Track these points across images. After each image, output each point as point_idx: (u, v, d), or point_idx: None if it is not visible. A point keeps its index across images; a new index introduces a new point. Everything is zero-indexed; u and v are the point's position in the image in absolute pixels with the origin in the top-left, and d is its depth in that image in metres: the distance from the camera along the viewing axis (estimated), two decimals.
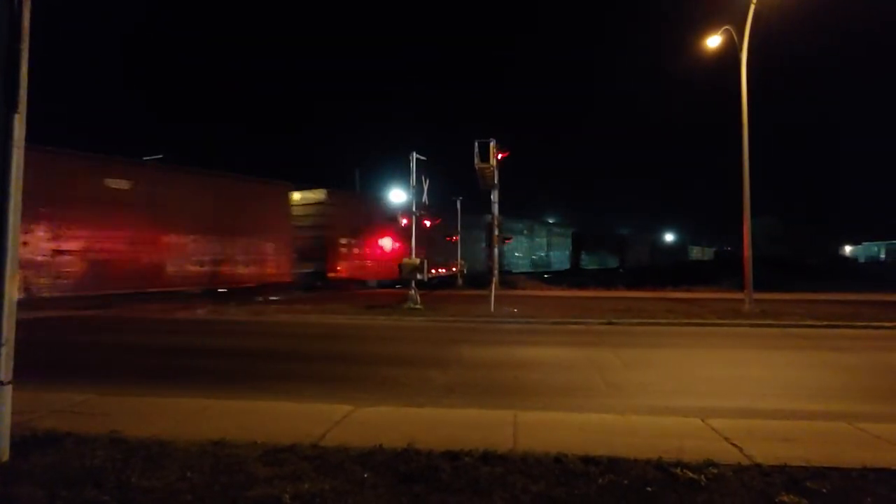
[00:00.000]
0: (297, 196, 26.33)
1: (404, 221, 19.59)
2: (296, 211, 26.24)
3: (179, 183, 21.26)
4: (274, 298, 20.45)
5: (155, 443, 4.63)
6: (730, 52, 16.93)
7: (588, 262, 57.96)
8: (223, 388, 7.23)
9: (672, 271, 51.56)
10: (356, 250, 28.81)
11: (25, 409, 5.17)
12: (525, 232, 46.06)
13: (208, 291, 21.23)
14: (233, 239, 22.42)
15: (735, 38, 16.61)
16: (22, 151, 4.23)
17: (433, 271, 22.15)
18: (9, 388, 4.14)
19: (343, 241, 28.01)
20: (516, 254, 43.73)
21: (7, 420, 4.16)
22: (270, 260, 24.05)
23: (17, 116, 4.19)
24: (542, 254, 49.59)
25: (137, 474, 3.96)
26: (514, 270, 41.16)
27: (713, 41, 16.81)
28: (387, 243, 29.93)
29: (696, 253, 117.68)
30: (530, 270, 43.68)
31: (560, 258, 52.98)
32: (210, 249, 21.68)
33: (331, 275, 26.69)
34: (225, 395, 6.65)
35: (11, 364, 4.15)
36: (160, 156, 22.94)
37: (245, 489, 3.77)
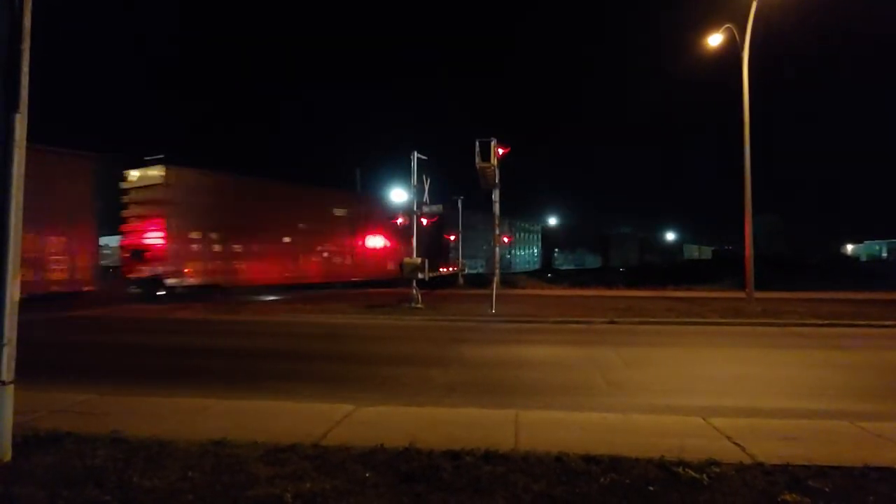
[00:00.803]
0: (134, 175, 20.81)
1: (401, 220, 19.53)
2: (136, 196, 20.74)
3: None
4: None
5: (156, 442, 4.62)
6: (731, 50, 16.91)
7: (563, 262, 55.71)
8: (224, 387, 7.22)
9: (664, 271, 51.03)
10: (217, 247, 22.22)
11: (26, 408, 5.17)
12: (480, 227, 40.98)
13: None
14: None
15: (737, 36, 16.59)
16: (23, 151, 4.23)
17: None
18: (10, 388, 4.14)
19: (195, 234, 21.40)
20: (465, 250, 37.49)
21: (9, 420, 4.16)
22: (58, 261, 17.59)
23: (18, 116, 4.19)
24: (503, 251, 46.69)
25: (139, 474, 3.95)
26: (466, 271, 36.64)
27: (714, 39, 16.80)
28: (288, 237, 24.64)
29: (693, 252, 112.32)
30: (485, 272, 40.83)
31: (526, 257, 50.60)
32: None
33: (172, 280, 20.47)
34: (225, 395, 6.64)
35: (13, 364, 4.15)
36: (161, 155, 22.94)
37: (246, 489, 3.76)
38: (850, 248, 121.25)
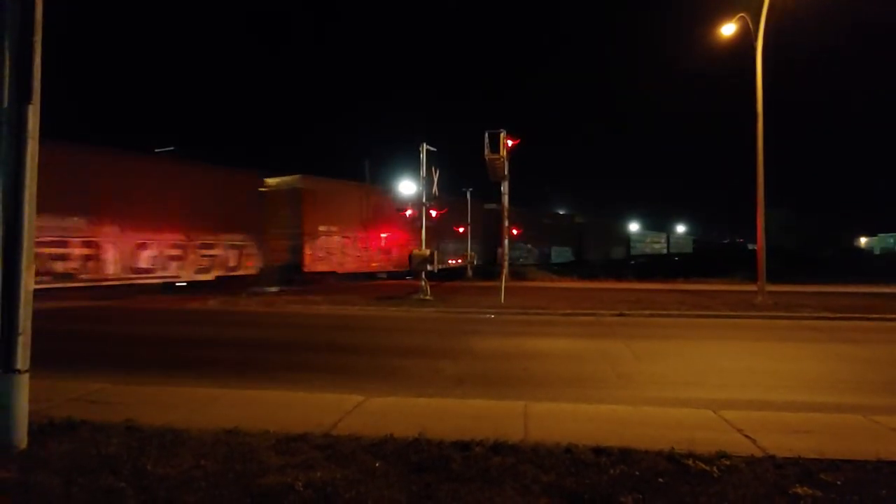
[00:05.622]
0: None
1: (409, 212, 19.56)
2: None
3: None
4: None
5: (169, 431, 4.68)
6: (745, 40, 16.67)
7: (591, 255, 53.47)
8: (235, 377, 7.29)
9: (675, 263, 49.87)
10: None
11: (42, 397, 5.24)
12: (523, 221, 41.36)
13: None
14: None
15: (750, 25, 16.35)
16: (36, 142, 4.27)
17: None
18: (26, 377, 4.20)
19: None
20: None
21: (24, 408, 4.22)
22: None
23: (30, 108, 4.22)
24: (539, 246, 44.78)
25: (152, 462, 4.01)
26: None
27: (728, 29, 16.56)
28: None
29: (648, 243, 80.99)
30: (527, 261, 40.65)
31: (562, 251, 48.61)
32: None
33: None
34: (237, 385, 6.71)
35: (28, 353, 4.21)
36: (172, 147, 23.12)
37: (258, 477, 3.80)
38: (863, 240, 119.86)
